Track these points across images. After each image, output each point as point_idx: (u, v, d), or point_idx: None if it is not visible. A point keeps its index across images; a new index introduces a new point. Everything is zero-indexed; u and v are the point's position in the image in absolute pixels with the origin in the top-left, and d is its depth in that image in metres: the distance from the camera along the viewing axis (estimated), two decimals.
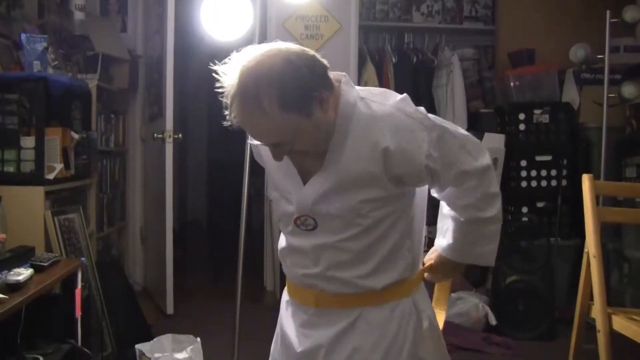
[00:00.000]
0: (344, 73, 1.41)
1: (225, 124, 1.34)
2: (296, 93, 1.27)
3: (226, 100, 1.30)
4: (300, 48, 1.32)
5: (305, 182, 1.43)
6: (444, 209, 1.60)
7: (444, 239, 1.63)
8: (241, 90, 1.27)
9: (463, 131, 1.47)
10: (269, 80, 1.25)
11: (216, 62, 1.33)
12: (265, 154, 1.49)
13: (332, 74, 1.39)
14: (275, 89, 1.25)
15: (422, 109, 1.42)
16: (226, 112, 1.31)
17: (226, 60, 1.32)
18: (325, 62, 1.34)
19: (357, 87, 1.42)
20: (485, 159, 1.47)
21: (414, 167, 1.37)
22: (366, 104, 1.38)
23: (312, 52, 1.33)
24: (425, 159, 1.37)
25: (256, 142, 1.38)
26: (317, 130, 1.33)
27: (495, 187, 1.51)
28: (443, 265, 1.64)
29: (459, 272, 1.68)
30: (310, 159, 1.41)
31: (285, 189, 1.49)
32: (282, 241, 1.57)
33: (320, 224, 1.44)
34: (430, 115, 1.42)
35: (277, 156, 1.37)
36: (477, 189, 1.47)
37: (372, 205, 1.40)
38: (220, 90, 1.31)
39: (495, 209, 1.51)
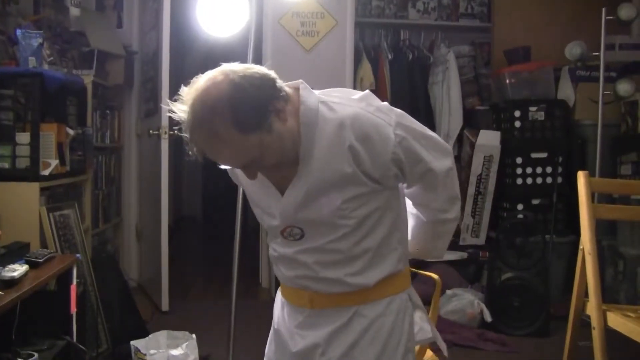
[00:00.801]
0: (300, 80, 1.41)
1: (189, 159, 1.35)
2: (249, 113, 1.27)
3: (185, 135, 1.30)
4: (244, 67, 1.32)
5: (283, 194, 1.44)
6: (408, 206, 1.62)
7: None
8: (196, 123, 1.28)
9: (429, 131, 1.47)
10: (219, 107, 1.26)
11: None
12: (239, 174, 1.51)
13: (289, 82, 1.39)
14: (227, 114, 1.25)
15: (385, 104, 1.41)
16: (187, 147, 1.32)
17: (177, 96, 1.32)
18: (272, 73, 1.34)
19: (316, 91, 1.42)
20: (449, 161, 1.49)
21: (382, 163, 1.37)
22: (328, 106, 1.38)
23: (257, 67, 1.33)
24: (392, 154, 1.37)
25: (228, 167, 1.39)
26: (281, 141, 1.33)
27: (457, 189, 1.55)
28: None
29: None
30: (283, 171, 1.41)
31: (266, 204, 1.49)
32: (272, 249, 1.57)
33: (307, 231, 1.44)
34: (396, 111, 1.41)
35: (250, 175, 1.38)
36: (443, 191, 1.51)
37: (354, 204, 1.39)
38: (178, 127, 1.32)
39: (456, 210, 1.58)
